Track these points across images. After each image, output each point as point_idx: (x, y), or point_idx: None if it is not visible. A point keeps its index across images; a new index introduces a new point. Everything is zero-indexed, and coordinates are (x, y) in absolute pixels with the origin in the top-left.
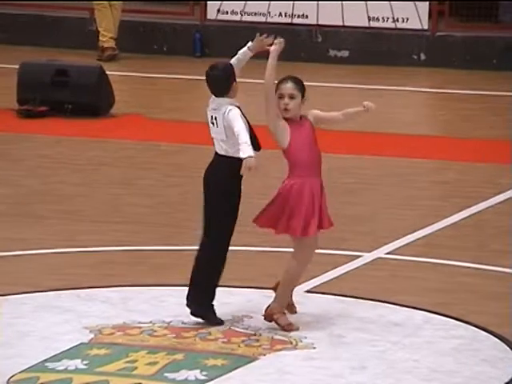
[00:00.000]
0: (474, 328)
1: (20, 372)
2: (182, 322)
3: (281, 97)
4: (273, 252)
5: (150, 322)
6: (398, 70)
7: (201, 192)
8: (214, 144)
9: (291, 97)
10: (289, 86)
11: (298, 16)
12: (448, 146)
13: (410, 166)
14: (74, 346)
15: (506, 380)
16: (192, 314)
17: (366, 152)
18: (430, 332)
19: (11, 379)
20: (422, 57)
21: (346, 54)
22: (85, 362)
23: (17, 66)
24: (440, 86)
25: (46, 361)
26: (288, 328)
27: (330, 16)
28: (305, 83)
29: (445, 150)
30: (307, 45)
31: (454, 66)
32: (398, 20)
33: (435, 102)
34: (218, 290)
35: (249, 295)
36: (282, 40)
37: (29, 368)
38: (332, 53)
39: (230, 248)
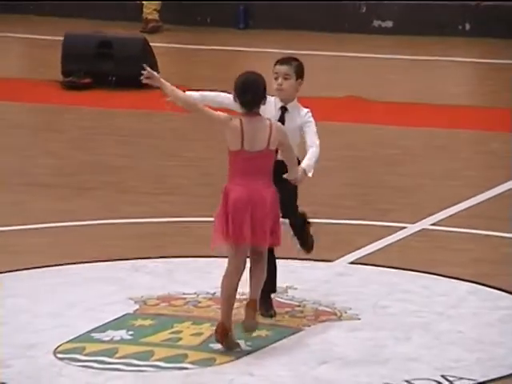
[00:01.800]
0: None
1: (66, 342)
2: None
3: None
4: (315, 223)
5: (195, 293)
6: (442, 41)
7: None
8: None
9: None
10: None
11: None
12: (493, 117)
13: (454, 136)
14: (119, 317)
15: None
16: None
17: (410, 123)
18: (475, 303)
19: (58, 349)
20: (467, 27)
21: (390, 24)
22: (130, 333)
23: (62, 38)
24: (485, 56)
25: (91, 331)
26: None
27: None
28: (350, 54)
29: (489, 121)
30: (351, 15)
31: (500, 36)
32: None
33: (480, 73)
34: None
35: (292, 266)
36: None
37: (75, 338)
38: (376, 23)
39: None
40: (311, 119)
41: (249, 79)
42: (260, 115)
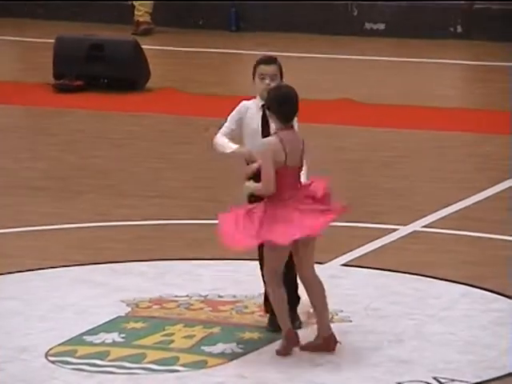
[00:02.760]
0: None
1: (58, 345)
2: (219, 296)
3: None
4: None
5: (187, 295)
6: (434, 43)
7: (237, 165)
8: None
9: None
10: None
11: None
12: (484, 119)
13: (447, 139)
14: (111, 320)
15: None
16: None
17: (402, 125)
18: (468, 305)
19: (49, 352)
20: (459, 29)
21: (382, 26)
22: (122, 336)
23: (53, 41)
24: (477, 59)
25: (83, 334)
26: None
27: None
28: (342, 56)
29: (481, 123)
30: (343, 18)
31: (491, 39)
32: None
33: (472, 75)
34: (256, 263)
35: None
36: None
37: (66, 341)
38: (368, 26)
39: None
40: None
41: (285, 92)
42: (294, 128)
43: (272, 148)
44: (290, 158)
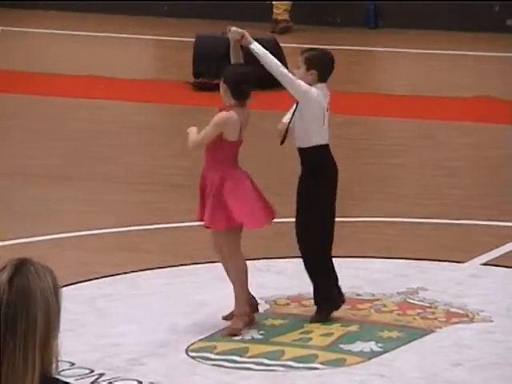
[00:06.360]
0: None
1: (198, 341)
2: (357, 294)
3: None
4: (440, 224)
5: None
6: None
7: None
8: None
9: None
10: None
11: None
12: None
13: None
14: None
15: None
16: None
17: None
18: None
19: (190, 347)
20: None
21: None
22: (261, 332)
23: (192, 40)
24: None
25: (222, 330)
26: (232, 332)
27: None
28: (482, 53)
29: None
30: (484, 14)
31: None
32: None
33: None
34: (394, 262)
35: (423, 267)
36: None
37: (206, 337)
38: (510, 22)
39: (400, 220)
40: None
41: (246, 71)
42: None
43: (226, 122)
44: (242, 133)
